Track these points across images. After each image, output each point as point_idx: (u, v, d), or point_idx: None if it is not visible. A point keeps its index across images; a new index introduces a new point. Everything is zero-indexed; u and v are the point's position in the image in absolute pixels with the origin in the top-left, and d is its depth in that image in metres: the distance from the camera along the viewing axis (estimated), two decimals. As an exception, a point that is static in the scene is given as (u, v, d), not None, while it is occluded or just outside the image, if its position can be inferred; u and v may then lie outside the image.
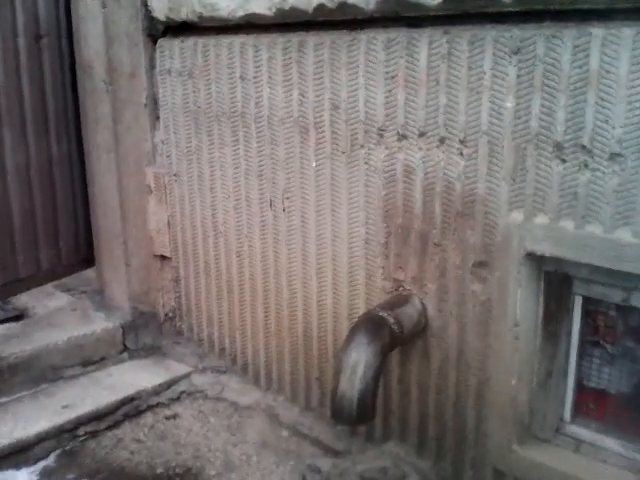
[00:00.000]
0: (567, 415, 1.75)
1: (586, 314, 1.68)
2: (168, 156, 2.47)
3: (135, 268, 2.62)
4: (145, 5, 2.34)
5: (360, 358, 1.65)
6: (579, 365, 1.71)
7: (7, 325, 2.65)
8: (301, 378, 2.24)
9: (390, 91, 1.80)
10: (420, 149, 1.76)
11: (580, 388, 1.73)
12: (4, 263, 2.68)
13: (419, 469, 1.93)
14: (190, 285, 2.56)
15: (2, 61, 2.54)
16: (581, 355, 1.71)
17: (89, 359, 2.58)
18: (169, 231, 2.55)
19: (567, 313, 1.69)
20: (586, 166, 1.48)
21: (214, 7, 2.14)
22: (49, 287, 2.90)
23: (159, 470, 2.08)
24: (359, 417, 1.65)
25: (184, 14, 2.24)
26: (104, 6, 2.35)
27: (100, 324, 2.64)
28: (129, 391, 2.38)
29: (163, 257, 2.63)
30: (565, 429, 1.75)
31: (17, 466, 2.08)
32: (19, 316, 2.84)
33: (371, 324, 1.76)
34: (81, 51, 2.50)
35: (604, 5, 1.41)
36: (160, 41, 2.39)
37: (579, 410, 1.74)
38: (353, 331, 1.76)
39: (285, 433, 2.22)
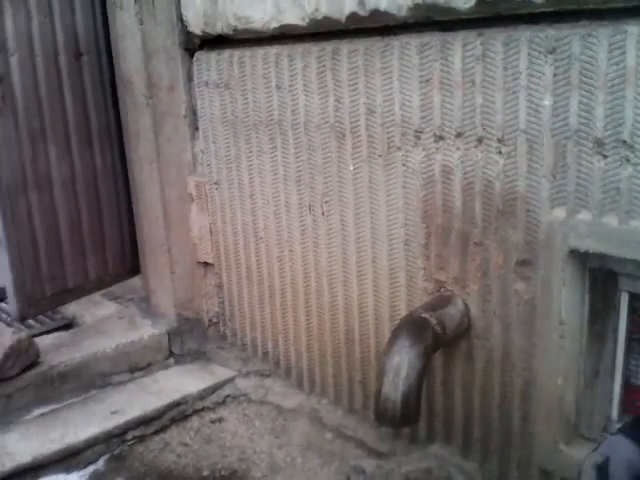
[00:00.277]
0: (614, 414, 1.72)
1: (632, 311, 1.66)
2: (208, 165, 2.52)
3: (179, 275, 2.68)
4: (181, 20, 2.40)
5: (403, 360, 1.66)
6: (626, 363, 1.69)
7: (57, 334, 2.74)
8: (344, 381, 2.26)
9: (425, 94, 1.81)
10: (458, 149, 1.77)
11: (627, 386, 1.71)
12: (53, 273, 2.77)
13: (464, 470, 1.92)
14: (233, 291, 2.60)
15: (45, 80, 2.63)
16: (628, 353, 1.68)
17: (136, 365, 2.64)
18: (211, 238, 2.60)
19: (613, 310, 1.67)
20: (628, 161, 1.47)
21: (248, 20, 2.18)
22: (97, 296, 2.98)
23: (205, 472, 2.12)
24: (402, 419, 1.66)
25: (219, 28, 2.29)
26: (141, 23, 2.42)
27: (147, 331, 2.70)
28: (175, 396, 2.43)
29: (206, 264, 2.68)
30: (613, 428, 1.72)
31: (68, 470, 2.14)
32: (68, 325, 2.93)
33: (413, 326, 1.76)
34: (120, 67, 2.57)
35: (638, 3, 1.40)
36: (197, 54, 2.44)
37: (627, 408, 1.72)
38: (395, 333, 1.76)
39: (329, 435, 2.23)
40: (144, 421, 2.33)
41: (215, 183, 2.52)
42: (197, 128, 2.53)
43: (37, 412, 2.34)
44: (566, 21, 1.52)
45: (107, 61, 2.74)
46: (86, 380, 2.51)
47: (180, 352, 2.74)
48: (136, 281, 3.00)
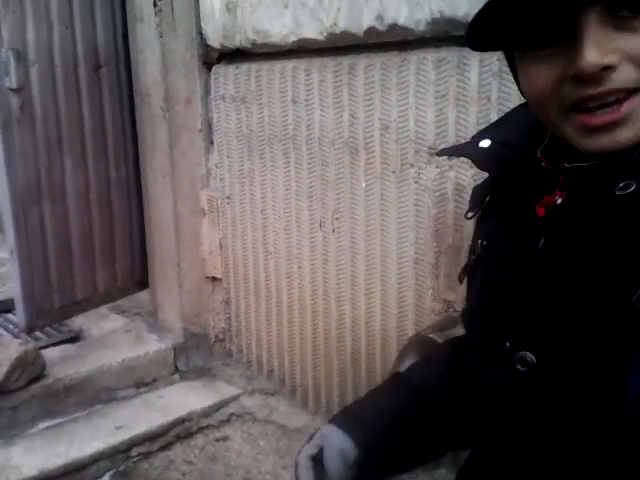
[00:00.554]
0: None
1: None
2: (221, 179, 2.52)
3: (188, 290, 2.66)
4: (200, 34, 2.42)
5: (410, 379, 1.62)
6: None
7: (63, 347, 2.72)
8: (350, 401, 2.21)
9: (440, 110, 1.79)
10: (471, 167, 1.74)
11: None
12: (62, 285, 2.75)
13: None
14: (240, 306, 2.58)
15: (64, 90, 2.65)
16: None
17: (141, 380, 2.62)
18: (221, 253, 2.58)
19: None
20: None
21: (267, 34, 2.19)
22: (104, 309, 2.96)
23: (210, 492, 2.08)
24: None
25: (238, 41, 2.30)
26: (161, 36, 2.44)
27: (153, 346, 2.68)
28: (180, 412, 2.40)
29: (214, 279, 2.66)
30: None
31: (73, 485, 2.10)
32: (75, 338, 2.91)
33: (421, 346, 1.73)
34: (139, 79, 2.59)
35: None
36: (215, 68, 2.45)
37: None
38: (402, 353, 1.73)
39: (334, 457, 2.18)
40: (149, 437, 2.30)
41: (227, 198, 2.51)
42: (212, 142, 2.53)
43: (42, 425, 2.32)
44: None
45: (125, 73, 2.76)
46: (91, 394, 2.48)
47: (185, 368, 2.71)
48: (144, 295, 2.98)
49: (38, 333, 2.86)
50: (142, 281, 2.94)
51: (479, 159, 0.84)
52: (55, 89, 2.62)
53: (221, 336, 2.71)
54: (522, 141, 0.82)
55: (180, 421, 2.38)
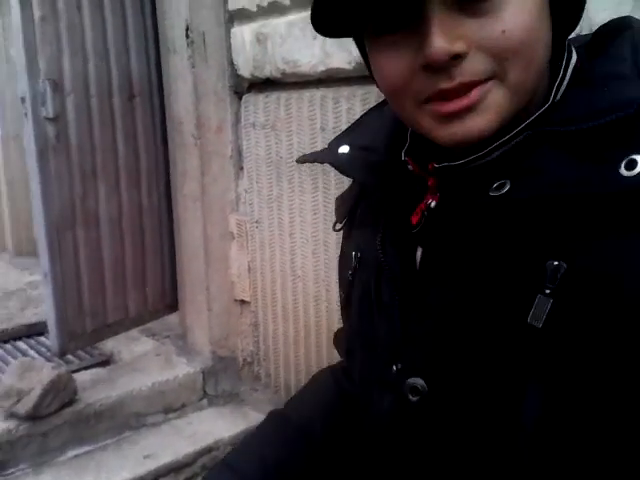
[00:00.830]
0: None
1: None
2: (250, 204, 2.57)
3: (216, 313, 2.70)
4: (231, 64, 2.50)
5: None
6: None
7: (94, 370, 2.76)
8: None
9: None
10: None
11: None
12: (94, 309, 2.81)
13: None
14: (268, 329, 2.60)
15: (98, 120, 2.73)
16: None
17: (170, 406, 2.63)
18: (249, 276, 2.62)
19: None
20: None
21: (296, 64, 2.26)
22: (135, 332, 3.00)
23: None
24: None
25: (268, 71, 2.37)
26: (193, 66, 2.52)
27: (182, 369, 2.71)
28: (208, 440, 2.41)
29: (243, 302, 2.69)
30: None
31: (99, 516, 2.11)
32: (106, 361, 2.96)
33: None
34: (171, 108, 2.68)
35: None
36: (245, 97, 2.52)
37: None
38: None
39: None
40: (175, 467, 2.30)
41: (256, 222, 2.56)
42: (242, 168, 2.59)
43: (71, 453, 2.32)
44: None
45: (159, 102, 2.84)
46: (121, 420, 2.50)
47: (214, 392, 2.73)
48: (173, 318, 3.03)
49: (70, 356, 2.91)
50: (172, 304, 2.99)
51: (341, 165, 0.78)
52: (90, 118, 2.70)
53: (249, 359, 2.73)
54: (383, 144, 0.77)
55: (207, 450, 2.38)
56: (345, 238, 0.88)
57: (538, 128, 0.61)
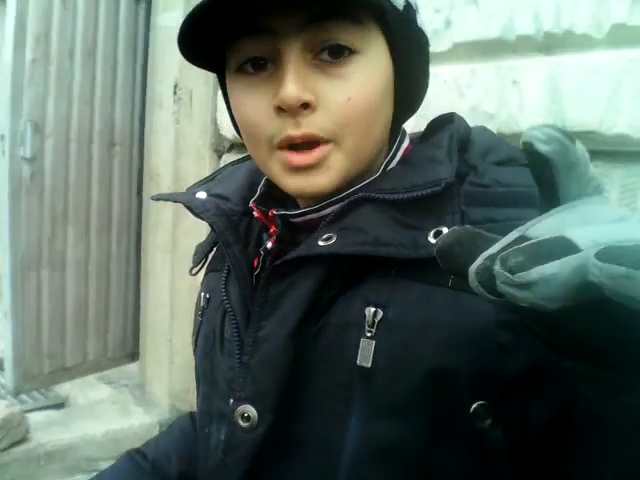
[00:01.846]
0: None
1: None
2: (221, 261, 2.60)
3: (178, 365, 2.70)
4: (215, 123, 2.56)
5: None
6: None
7: (48, 412, 2.73)
8: None
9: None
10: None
11: None
12: (53, 351, 2.78)
13: None
14: (230, 386, 2.60)
15: (75, 164, 2.75)
16: None
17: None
18: (215, 332, 2.63)
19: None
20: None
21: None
22: (92, 378, 2.97)
23: None
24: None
25: (249, 133, 2.44)
26: (177, 122, 2.58)
27: (138, 419, 2.69)
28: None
29: (206, 357, 2.69)
30: None
31: None
32: (60, 404, 2.91)
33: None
34: (150, 160, 2.72)
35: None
36: (224, 156, 2.58)
37: None
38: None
39: None
40: (124, 511, 2.28)
41: (225, 278, 2.58)
42: (215, 224, 2.63)
43: (18, 493, 2.29)
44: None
45: (138, 153, 2.88)
46: (72, 463, 2.47)
47: (168, 444, 2.70)
48: (133, 367, 3.01)
49: (24, 396, 2.86)
50: (133, 353, 2.98)
51: (196, 208, 0.82)
52: (67, 162, 2.73)
53: (207, 414, 2.72)
54: (236, 194, 0.83)
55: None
56: (200, 283, 0.93)
57: (364, 193, 0.68)
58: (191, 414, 1.01)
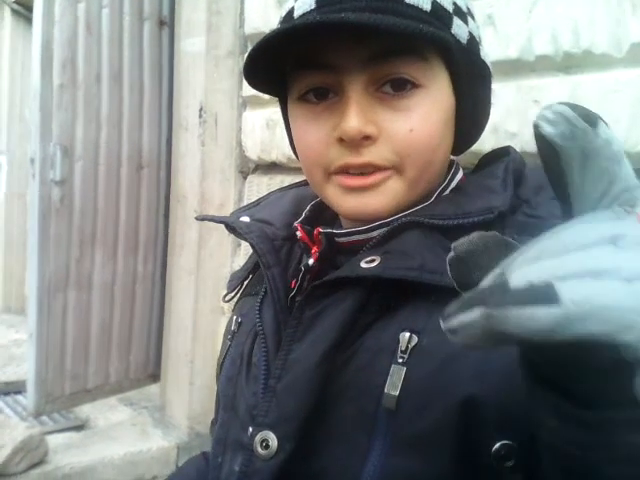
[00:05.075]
0: None
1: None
2: (243, 281, 2.60)
3: (198, 387, 2.67)
4: (240, 145, 2.60)
5: None
6: None
7: (68, 434, 2.71)
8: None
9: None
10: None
11: None
12: (75, 372, 2.78)
13: None
14: (249, 410, 2.57)
15: (104, 187, 2.79)
16: None
17: (142, 477, 2.58)
18: (236, 353, 2.61)
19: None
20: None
21: (302, 151, 2.34)
22: (113, 400, 2.97)
23: None
24: None
25: (274, 156, 2.46)
26: (203, 145, 2.61)
27: (157, 442, 2.66)
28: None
29: (226, 378, 2.67)
30: None
31: None
32: (80, 426, 2.90)
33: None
34: (177, 182, 2.75)
35: None
36: (250, 177, 2.60)
37: None
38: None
39: None
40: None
41: (248, 299, 2.57)
42: (239, 245, 2.64)
43: (35, 515, 2.27)
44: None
45: (165, 175, 2.92)
46: (89, 486, 2.45)
47: (186, 469, 2.67)
48: (154, 388, 2.99)
49: (45, 417, 2.86)
50: (155, 375, 2.96)
51: (240, 229, 0.83)
52: (96, 185, 2.77)
53: (227, 438, 2.69)
54: (280, 219, 0.84)
55: (175, 522, 2.33)
56: (232, 310, 0.92)
57: (412, 217, 0.67)
58: (204, 452, 1.02)
